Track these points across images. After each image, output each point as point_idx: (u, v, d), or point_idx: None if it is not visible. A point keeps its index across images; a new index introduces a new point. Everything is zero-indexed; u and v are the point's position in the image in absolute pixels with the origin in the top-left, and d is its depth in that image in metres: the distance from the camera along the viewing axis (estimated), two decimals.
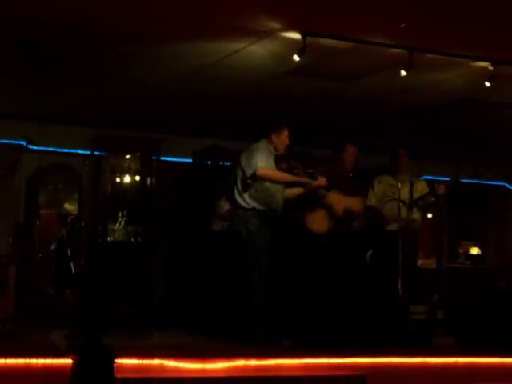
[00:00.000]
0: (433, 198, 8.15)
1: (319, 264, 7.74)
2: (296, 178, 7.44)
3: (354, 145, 8.10)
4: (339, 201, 7.92)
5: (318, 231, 7.86)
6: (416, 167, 10.60)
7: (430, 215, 8.24)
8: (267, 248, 7.31)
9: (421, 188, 8.20)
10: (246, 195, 7.30)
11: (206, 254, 8.91)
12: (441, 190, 8.10)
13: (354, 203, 8.01)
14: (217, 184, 8.63)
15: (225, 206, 8.30)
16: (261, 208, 7.30)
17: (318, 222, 7.85)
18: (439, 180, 8.86)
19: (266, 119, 7.53)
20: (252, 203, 7.28)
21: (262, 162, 7.21)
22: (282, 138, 7.40)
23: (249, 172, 7.22)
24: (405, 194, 8.06)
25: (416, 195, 8.08)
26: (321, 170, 7.85)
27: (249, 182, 7.25)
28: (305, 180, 7.49)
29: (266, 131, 7.45)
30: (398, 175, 8.16)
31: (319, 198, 7.80)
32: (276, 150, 7.42)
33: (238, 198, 7.34)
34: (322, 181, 7.58)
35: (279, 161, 7.52)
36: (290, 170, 7.48)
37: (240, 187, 7.34)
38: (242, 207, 7.30)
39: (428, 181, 8.68)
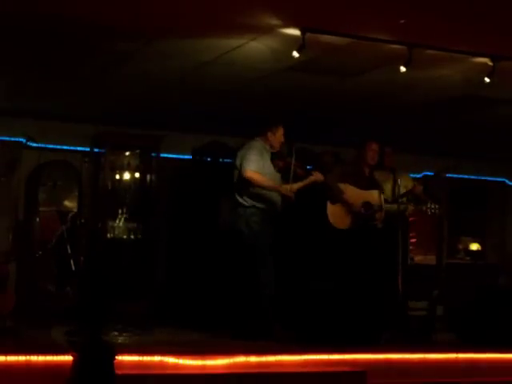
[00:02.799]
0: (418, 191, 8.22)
1: (337, 259, 7.78)
2: (280, 189, 7.47)
3: (375, 141, 8.14)
4: (358, 195, 7.95)
5: (339, 227, 7.88)
6: (415, 163, 10.67)
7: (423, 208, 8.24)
8: (271, 244, 7.36)
9: (405, 183, 8.20)
10: (244, 194, 7.38)
11: (207, 250, 8.92)
12: (417, 189, 8.17)
13: (372, 197, 8.02)
14: None
15: None
16: (260, 206, 7.35)
17: (338, 217, 7.88)
18: (417, 178, 8.96)
19: (261, 117, 7.59)
20: (251, 201, 7.35)
21: (252, 164, 7.33)
22: (278, 136, 7.53)
23: (240, 170, 7.36)
24: (388, 190, 8.13)
25: (401, 190, 8.09)
26: (339, 170, 7.94)
27: (245, 181, 7.31)
28: (283, 191, 7.46)
29: (261, 129, 7.53)
30: (382, 172, 8.23)
31: (338, 195, 7.84)
32: (272, 147, 7.53)
33: (237, 196, 7.43)
34: (317, 176, 7.62)
35: (276, 158, 7.57)
36: (286, 167, 7.52)
37: (238, 186, 7.42)
38: (242, 205, 7.37)
39: (414, 178, 8.73)
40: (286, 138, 7.59)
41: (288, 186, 7.48)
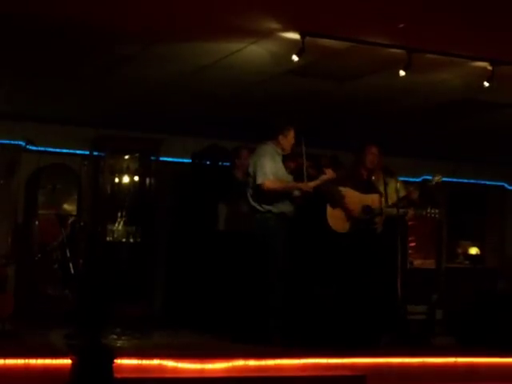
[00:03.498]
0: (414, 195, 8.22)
1: (336, 263, 7.79)
2: (299, 185, 7.50)
3: (374, 144, 8.15)
4: (358, 199, 7.96)
5: (339, 230, 7.90)
6: (414, 167, 10.68)
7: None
8: (286, 250, 7.36)
9: (394, 187, 8.18)
10: (260, 200, 7.40)
11: (206, 254, 8.91)
12: (414, 195, 8.17)
13: (372, 200, 8.03)
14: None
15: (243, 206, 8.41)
16: (276, 211, 7.38)
17: (338, 221, 7.89)
18: (413, 183, 8.97)
19: (272, 120, 7.57)
20: (267, 207, 7.38)
21: (268, 172, 7.36)
22: (289, 139, 7.56)
23: (258, 181, 7.36)
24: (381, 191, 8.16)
25: (391, 195, 8.09)
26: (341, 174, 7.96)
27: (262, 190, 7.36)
28: (303, 186, 7.49)
29: (272, 132, 7.52)
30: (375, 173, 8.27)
31: (338, 198, 7.85)
32: (283, 150, 7.55)
33: (253, 203, 7.48)
34: (330, 174, 7.66)
35: (287, 159, 7.59)
36: (297, 168, 7.53)
37: (253, 193, 7.44)
38: (259, 211, 7.41)
39: (406, 182, 8.74)
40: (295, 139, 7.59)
41: (305, 183, 7.52)
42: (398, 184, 8.11)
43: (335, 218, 7.87)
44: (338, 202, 7.88)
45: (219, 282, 8.41)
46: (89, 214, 9.61)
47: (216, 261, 8.56)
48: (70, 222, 9.15)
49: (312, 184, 7.55)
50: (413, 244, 10.77)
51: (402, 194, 8.07)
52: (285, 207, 7.46)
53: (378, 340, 7.49)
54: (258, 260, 7.41)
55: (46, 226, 9.30)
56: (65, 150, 9.72)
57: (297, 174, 7.59)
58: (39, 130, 9.19)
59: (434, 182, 8.25)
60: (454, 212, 11.53)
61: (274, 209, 7.42)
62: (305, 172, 7.51)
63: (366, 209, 7.97)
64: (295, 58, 6.52)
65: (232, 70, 7.43)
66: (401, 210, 7.97)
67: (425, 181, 8.62)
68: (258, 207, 7.45)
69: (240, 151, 8.77)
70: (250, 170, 7.52)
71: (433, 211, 8.18)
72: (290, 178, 7.61)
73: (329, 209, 7.85)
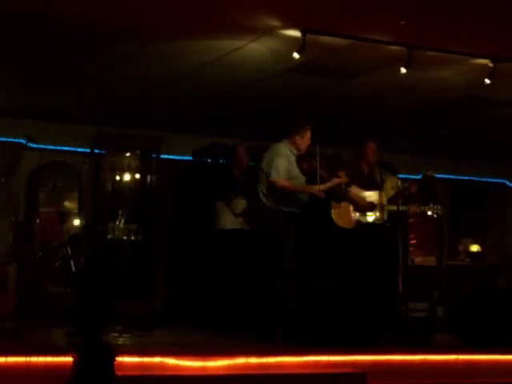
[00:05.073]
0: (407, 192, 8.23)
1: (338, 259, 7.80)
2: (310, 190, 7.49)
3: (373, 140, 8.17)
4: (361, 195, 7.97)
5: (343, 226, 7.91)
6: (415, 164, 10.68)
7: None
8: (293, 248, 7.35)
9: (391, 184, 8.20)
10: (270, 197, 7.38)
11: (208, 251, 8.92)
12: (413, 189, 8.19)
13: (374, 196, 8.03)
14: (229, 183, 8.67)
15: (241, 204, 8.38)
16: (285, 208, 7.35)
17: (342, 217, 7.90)
18: (412, 179, 8.99)
19: (289, 119, 7.54)
20: (277, 204, 7.34)
21: (282, 171, 7.34)
22: (305, 139, 7.52)
23: (271, 178, 7.36)
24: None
25: (387, 192, 8.10)
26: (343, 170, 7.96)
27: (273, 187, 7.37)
28: (315, 191, 7.49)
29: (288, 131, 7.48)
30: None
31: (342, 194, 7.86)
32: (298, 150, 7.50)
33: (263, 199, 7.47)
34: (343, 178, 7.70)
35: (301, 160, 7.57)
36: (310, 169, 7.52)
37: (264, 190, 7.43)
38: (268, 207, 7.39)
39: (403, 179, 8.75)
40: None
41: (316, 187, 7.50)
42: (399, 182, 8.13)
43: (340, 215, 7.89)
44: (343, 199, 7.90)
45: (221, 279, 8.42)
46: (90, 212, 9.61)
47: (218, 258, 8.57)
48: (82, 226, 9.20)
49: (322, 187, 7.55)
50: (414, 241, 10.78)
51: (393, 187, 8.12)
52: (294, 206, 7.44)
53: (378, 337, 7.49)
54: (265, 258, 7.39)
55: (46, 224, 9.31)
56: (66, 148, 9.73)
57: (309, 176, 7.58)
58: (40, 128, 9.19)
59: (426, 177, 8.28)
60: (455, 209, 11.53)
61: (284, 207, 7.40)
62: (318, 174, 7.49)
63: (370, 204, 8.01)
64: (296, 55, 6.52)
65: (232, 68, 7.42)
66: (402, 207, 7.99)
67: (423, 177, 8.65)
68: (268, 204, 7.43)
69: (236, 148, 8.78)
70: (264, 166, 7.48)
71: (435, 208, 8.19)
72: (303, 178, 7.59)
73: (333, 205, 7.88)
